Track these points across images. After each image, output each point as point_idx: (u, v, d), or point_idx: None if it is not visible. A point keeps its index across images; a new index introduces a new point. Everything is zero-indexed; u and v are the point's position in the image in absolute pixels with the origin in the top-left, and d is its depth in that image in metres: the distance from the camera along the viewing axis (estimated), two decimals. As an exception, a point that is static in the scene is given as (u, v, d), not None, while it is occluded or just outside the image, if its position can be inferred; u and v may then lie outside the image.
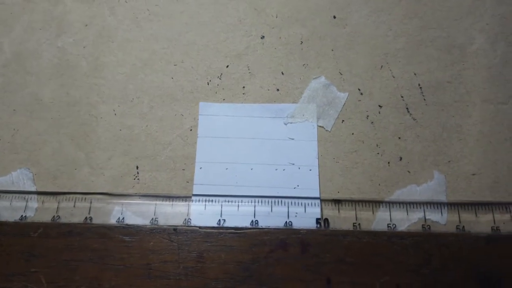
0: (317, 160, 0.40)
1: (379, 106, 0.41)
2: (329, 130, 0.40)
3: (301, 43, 0.43)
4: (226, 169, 0.39)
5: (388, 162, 0.39)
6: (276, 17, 0.43)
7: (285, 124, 0.41)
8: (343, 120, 0.41)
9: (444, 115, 0.40)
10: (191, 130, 0.41)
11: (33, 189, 0.39)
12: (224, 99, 0.41)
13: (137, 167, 0.40)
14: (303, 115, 0.41)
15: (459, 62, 0.42)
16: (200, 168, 0.39)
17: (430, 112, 0.41)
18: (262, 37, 0.43)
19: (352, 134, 0.40)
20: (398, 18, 0.43)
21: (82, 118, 0.41)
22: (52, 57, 0.43)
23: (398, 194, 0.39)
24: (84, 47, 0.43)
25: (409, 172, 0.39)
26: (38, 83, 0.42)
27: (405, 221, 0.38)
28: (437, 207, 0.38)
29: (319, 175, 0.39)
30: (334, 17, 0.43)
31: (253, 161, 0.40)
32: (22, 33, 0.44)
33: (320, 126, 0.41)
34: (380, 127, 0.40)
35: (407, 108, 0.41)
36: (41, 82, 0.42)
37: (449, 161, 0.39)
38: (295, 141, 0.40)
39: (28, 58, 0.43)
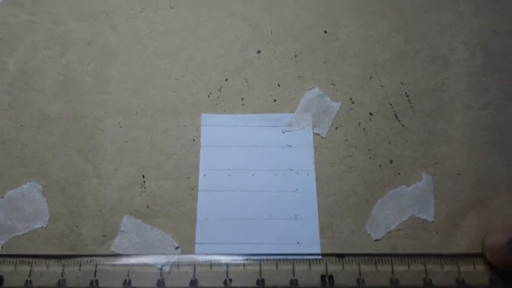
0: (314, 165, 0.44)
1: (370, 113, 0.46)
2: (324, 137, 0.45)
3: (295, 57, 0.48)
4: (229, 175, 0.44)
5: (380, 165, 0.44)
6: (271, 33, 0.48)
7: (283, 132, 0.45)
8: (337, 128, 0.45)
9: (430, 121, 0.45)
10: (194, 140, 0.45)
11: (43, 200, 0.43)
12: (224, 110, 0.46)
13: (143, 176, 0.44)
14: (300, 124, 0.45)
15: (442, 71, 0.47)
16: (204, 175, 0.44)
17: (417, 118, 0.46)
18: (258, 52, 0.48)
19: (346, 140, 0.45)
20: (385, 32, 0.48)
21: (88, 131, 0.45)
22: (57, 75, 0.47)
23: (390, 195, 0.43)
24: (88, 64, 0.47)
25: (399, 174, 0.44)
26: (44, 100, 0.46)
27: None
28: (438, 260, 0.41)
29: (316, 179, 0.43)
30: (325, 32, 0.48)
31: (254, 167, 0.44)
32: (26, 53, 0.47)
33: (316, 134, 0.45)
34: (371, 133, 0.45)
35: (395, 115, 0.46)
36: (47, 98, 0.46)
37: (436, 163, 0.44)
38: (293, 148, 0.45)
39: (33, 76, 0.47)
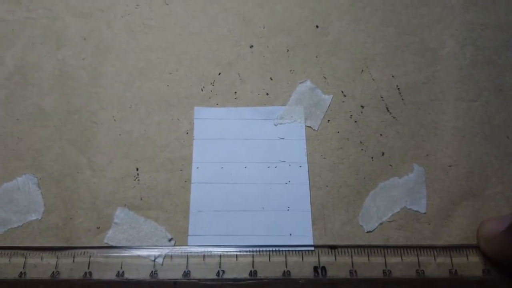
0: (306, 157, 0.44)
1: (361, 106, 0.46)
2: (316, 129, 0.46)
3: (287, 51, 0.48)
4: (222, 168, 0.44)
5: (372, 157, 0.45)
6: (263, 28, 0.49)
7: (275, 125, 0.46)
8: (328, 120, 0.46)
9: (421, 113, 0.46)
10: (187, 133, 0.45)
11: (38, 193, 0.43)
12: (217, 104, 0.46)
13: (137, 169, 0.44)
14: (292, 116, 0.46)
15: (433, 64, 0.48)
16: (197, 168, 0.44)
17: (408, 110, 0.46)
18: (251, 46, 0.48)
19: (338, 132, 0.45)
20: (375, 26, 0.49)
21: (83, 124, 0.45)
22: (53, 69, 0.47)
23: (382, 186, 0.43)
24: (83, 59, 0.48)
25: (391, 165, 0.44)
26: (40, 94, 0.46)
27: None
28: (430, 252, 0.41)
29: (308, 171, 0.44)
30: (317, 26, 0.49)
31: (247, 160, 0.44)
32: (23, 48, 0.48)
33: (308, 126, 0.46)
34: (363, 126, 0.46)
35: (387, 108, 0.46)
36: (43, 92, 0.46)
37: (427, 155, 0.45)
38: (285, 141, 0.45)
39: (30, 70, 0.47)
